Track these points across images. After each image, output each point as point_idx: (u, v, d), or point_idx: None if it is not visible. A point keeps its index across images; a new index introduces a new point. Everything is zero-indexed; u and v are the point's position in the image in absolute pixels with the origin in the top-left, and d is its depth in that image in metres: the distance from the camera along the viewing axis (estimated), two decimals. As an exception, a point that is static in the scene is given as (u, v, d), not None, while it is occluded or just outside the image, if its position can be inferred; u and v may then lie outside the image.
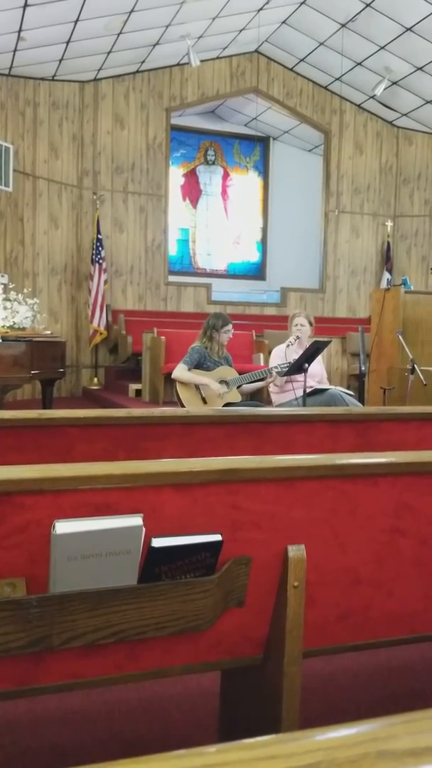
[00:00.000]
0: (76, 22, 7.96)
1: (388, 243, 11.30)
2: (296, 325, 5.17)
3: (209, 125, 12.11)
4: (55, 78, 9.44)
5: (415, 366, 5.20)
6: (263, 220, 12.71)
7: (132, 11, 8.05)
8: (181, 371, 5.00)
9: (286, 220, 12.47)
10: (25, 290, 7.32)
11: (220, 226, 12.48)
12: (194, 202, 12.36)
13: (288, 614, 1.48)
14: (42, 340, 6.26)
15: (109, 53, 9.07)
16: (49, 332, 7.02)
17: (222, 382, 5.05)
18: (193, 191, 12.33)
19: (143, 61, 9.72)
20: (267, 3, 8.97)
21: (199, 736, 1.88)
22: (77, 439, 2.28)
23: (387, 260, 11.27)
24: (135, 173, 10.19)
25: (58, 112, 9.60)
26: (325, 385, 5.07)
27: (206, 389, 5.00)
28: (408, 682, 2.24)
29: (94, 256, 9.53)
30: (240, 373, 5.20)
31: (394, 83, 10.05)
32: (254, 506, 1.44)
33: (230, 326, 5.12)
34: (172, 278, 10.73)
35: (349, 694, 2.15)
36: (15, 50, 8.35)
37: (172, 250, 11.66)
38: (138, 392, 8.21)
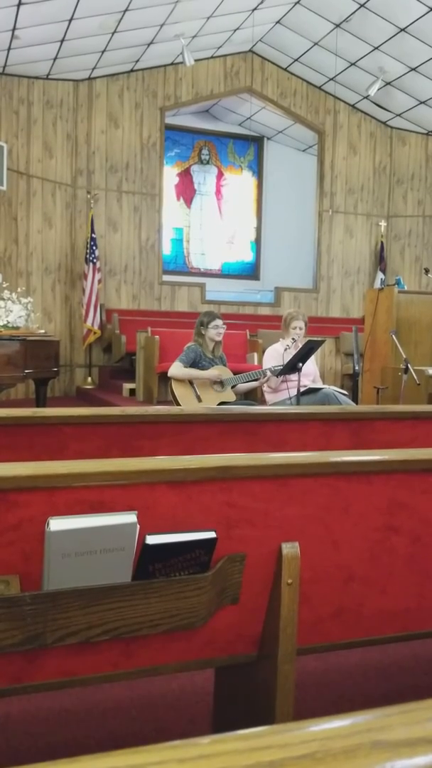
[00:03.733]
0: (70, 20, 7.95)
1: (382, 243, 11.33)
2: (295, 328, 5.13)
3: (203, 125, 12.11)
4: (49, 77, 9.42)
5: (409, 366, 5.22)
6: (257, 220, 12.72)
7: (126, 10, 8.04)
8: (177, 368, 5.01)
9: (280, 220, 12.48)
10: (19, 289, 7.30)
11: (214, 225, 12.48)
12: (188, 201, 12.35)
13: (282, 612, 1.49)
14: (36, 339, 6.24)
15: (103, 52, 9.06)
16: (42, 331, 7.00)
17: (216, 381, 5.06)
18: (187, 191, 12.33)
19: (137, 61, 9.71)
20: (261, 3, 8.98)
21: (193, 733, 1.88)
22: (71, 438, 2.28)
23: (381, 260, 11.29)
24: (129, 172, 10.18)
25: (52, 111, 9.58)
26: (319, 385, 5.08)
27: (202, 384, 5.00)
28: (400, 679, 2.25)
29: (88, 256, 9.52)
30: (234, 373, 5.20)
31: (388, 83, 10.06)
32: (248, 504, 1.45)
33: (218, 321, 5.10)
34: (166, 278, 10.73)
35: (342, 691, 2.15)
36: (9, 48, 8.32)
37: (166, 249, 11.65)
38: (132, 391, 8.20)
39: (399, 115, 10.96)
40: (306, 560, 1.50)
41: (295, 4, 9.20)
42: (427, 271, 7.02)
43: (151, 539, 1.36)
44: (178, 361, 5.03)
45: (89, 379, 9.76)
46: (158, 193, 10.38)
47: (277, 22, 9.71)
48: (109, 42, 8.77)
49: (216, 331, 5.09)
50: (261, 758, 0.44)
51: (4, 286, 6.78)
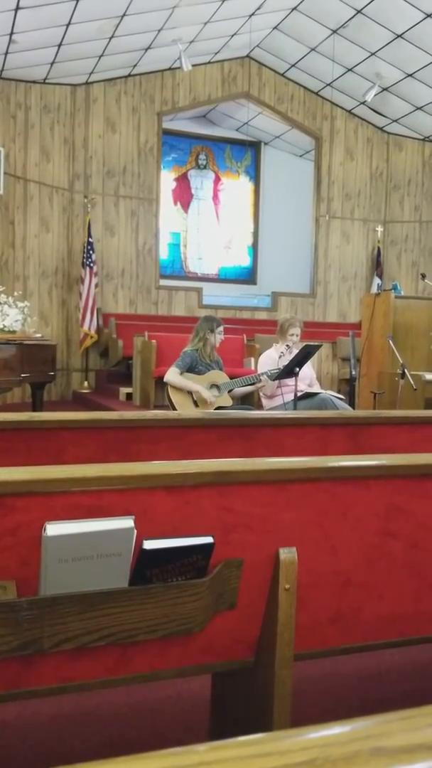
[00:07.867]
0: (68, 25, 7.96)
1: (379, 248, 11.35)
2: (292, 335, 5.16)
3: (201, 130, 12.12)
4: (46, 81, 9.43)
5: (406, 370, 5.23)
6: (254, 225, 12.74)
7: (124, 15, 8.05)
8: (173, 375, 5.01)
9: (277, 225, 12.50)
10: (16, 293, 7.29)
11: (212, 230, 12.49)
12: (185, 206, 12.36)
13: (279, 617, 1.48)
14: (32, 344, 6.23)
15: (100, 57, 9.07)
16: (39, 335, 6.99)
17: (213, 386, 5.05)
18: (184, 195, 12.34)
19: (135, 65, 9.73)
20: (258, 8, 9.00)
21: (190, 739, 1.87)
22: (68, 442, 2.28)
23: (377, 265, 11.31)
24: (126, 177, 10.19)
25: (50, 116, 9.59)
26: (316, 389, 5.08)
27: (197, 395, 5.01)
28: (398, 685, 2.24)
29: (85, 260, 9.52)
30: (231, 378, 5.21)
31: (385, 89, 10.10)
32: (246, 509, 1.44)
33: (221, 327, 5.18)
34: (163, 282, 10.73)
35: (340, 697, 2.15)
36: (6, 53, 8.33)
37: (164, 254, 11.65)
38: (129, 396, 8.20)
39: (396, 120, 11.00)
40: (303, 565, 1.49)
41: (292, 10, 9.23)
42: (423, 276, 7.04)
43: (149, 544, 1.35)
44: (175, 366, 5.03)
45: (86, 383, 9.75)
46: (155, 198, 10.39)
47: (275, 27, 9.74)
48: (106, 47, 8.79)
49: (221, 337, 5.17)
50: (261, 765, 0.44)
51: (1, 290, 6.77)
